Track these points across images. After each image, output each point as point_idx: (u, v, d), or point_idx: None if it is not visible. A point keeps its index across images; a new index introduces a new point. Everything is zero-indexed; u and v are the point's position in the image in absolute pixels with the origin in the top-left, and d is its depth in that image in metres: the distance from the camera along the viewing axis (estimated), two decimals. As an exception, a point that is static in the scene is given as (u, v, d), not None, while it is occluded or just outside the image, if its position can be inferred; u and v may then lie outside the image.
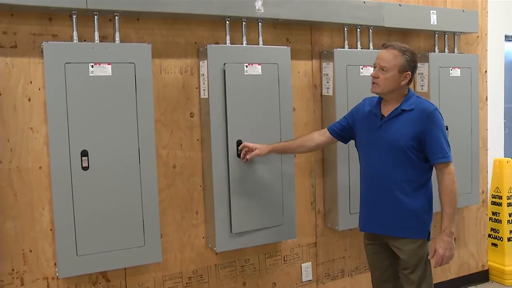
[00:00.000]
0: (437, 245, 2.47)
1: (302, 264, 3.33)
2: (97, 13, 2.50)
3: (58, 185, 2.40)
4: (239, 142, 2.80)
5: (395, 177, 2.48)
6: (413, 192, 2.48)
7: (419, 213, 2.49)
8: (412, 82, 3.60)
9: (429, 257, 2.53)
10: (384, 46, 2.53)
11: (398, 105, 2.50)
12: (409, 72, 2.47)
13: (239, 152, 2.81)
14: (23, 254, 2.50)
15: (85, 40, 2.54)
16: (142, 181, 2.57)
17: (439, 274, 3.94)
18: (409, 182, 2.47)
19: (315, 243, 3.38)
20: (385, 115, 2.53)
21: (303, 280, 3.34)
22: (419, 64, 3.57)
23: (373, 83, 2.51)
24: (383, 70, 2.46)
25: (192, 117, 2.88)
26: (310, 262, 3.36)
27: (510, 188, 4.25)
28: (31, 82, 2.47)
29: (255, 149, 2.77)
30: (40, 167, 2.50)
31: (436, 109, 2.48)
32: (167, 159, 2.82)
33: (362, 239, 3.48)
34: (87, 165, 2.44)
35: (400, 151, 2.45)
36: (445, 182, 2.44)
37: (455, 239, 2.53)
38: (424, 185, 2.50)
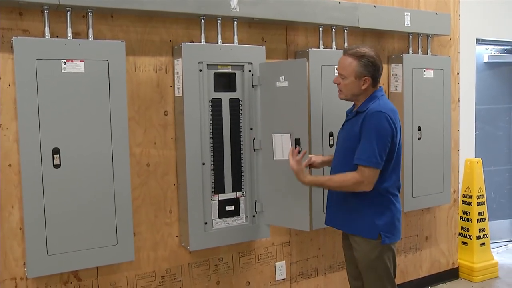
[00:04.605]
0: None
1: (276, 263, 3.34)
2: (70, 8, 2.46)
3: (29, 183, 2.36)
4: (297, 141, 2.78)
5: None
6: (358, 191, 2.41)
7: (365, 212, 2.43)
8: (387, 83, 3.68)
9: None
10: (343, 52, 2.51)
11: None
12: (367, 77, 2.42)
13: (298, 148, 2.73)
14: (-9, 253, 2.45)
15: (57, 36, 2.50)
16: (115, 180, 2.54)
17: (411, 272, 4.01)
18: None
19: (289, 242, 3.40)
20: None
21: (277, 279, 3.35)
22: (393, 65, 3.66)
23: (338, 89, 2.53)
24: (342, 77, 2.47)
25: (166, 115, 2.86)
26: (284, 261, 3.38)
27: (480, 187, 4.35)
28: (0, 78, 2.42)
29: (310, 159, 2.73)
30: (10, 165, 2.46)
31: (382, 112, 2.35)
32: (140, 157, 2.80)
33: (335, 238, 3.55)
34: (58, 163, 2.40)
35: (347, 151, 2.47)
36: (348, 174, 2.38)
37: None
38: (374, 187, 2.39)
